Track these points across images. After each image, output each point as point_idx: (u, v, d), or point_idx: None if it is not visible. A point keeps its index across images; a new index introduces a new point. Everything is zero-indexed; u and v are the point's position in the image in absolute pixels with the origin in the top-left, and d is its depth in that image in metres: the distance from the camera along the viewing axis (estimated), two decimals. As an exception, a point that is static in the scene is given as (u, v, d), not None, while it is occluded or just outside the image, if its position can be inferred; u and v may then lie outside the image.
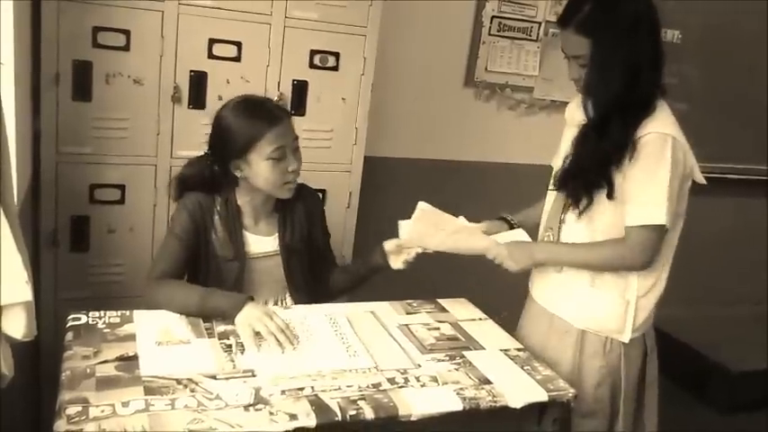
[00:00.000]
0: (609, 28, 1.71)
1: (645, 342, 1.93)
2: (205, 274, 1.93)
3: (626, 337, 1.86)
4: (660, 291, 1.87)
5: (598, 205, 1.79)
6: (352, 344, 1.72)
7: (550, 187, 1.95)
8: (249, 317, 1.70)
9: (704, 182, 1.81)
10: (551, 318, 1.94)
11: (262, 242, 1.99)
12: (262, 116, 1.87)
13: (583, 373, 1.87)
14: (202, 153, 1.98)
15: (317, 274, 2.09)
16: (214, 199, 1.95)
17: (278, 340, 1.65)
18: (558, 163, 1.94)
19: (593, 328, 1.88)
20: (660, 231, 1.74)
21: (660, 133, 1.71)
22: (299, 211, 2.04)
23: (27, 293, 1.26)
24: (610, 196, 1.75)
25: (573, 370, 1.87)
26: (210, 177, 1.93)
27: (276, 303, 2.00)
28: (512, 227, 2.03)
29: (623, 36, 1.70)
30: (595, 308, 1.86)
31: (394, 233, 1.98)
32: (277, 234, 2.01)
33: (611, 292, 1.85)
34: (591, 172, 1.77)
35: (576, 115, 1.91)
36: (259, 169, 1.87)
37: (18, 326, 1.28)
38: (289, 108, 2.48)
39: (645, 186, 1.72)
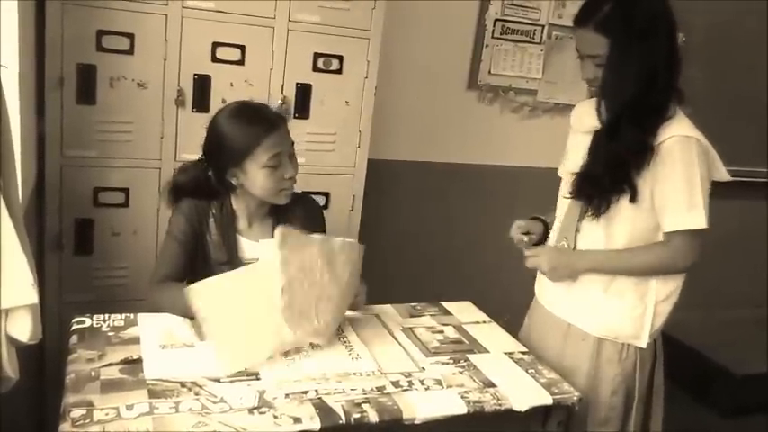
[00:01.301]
0: (628, 28, 1.70)
1: (655, 347, 1.93)
2: (202, 277, 1.92)
3: (643, 342, 1.86)
4: (677, 296, 1.87)
5: (618, 211, 1.78)
6: (355, 347, 1.72)
7: (565, 195, 1.92)
8: None
9: (729, 178, 1.80)
10: (568, 327, 1.93)
11: (256, 247, 1.98)
12: (258, 123, 1.84)
13: (599, 382, 1.87)
14: (197, 158, 1.96)
15: None
16: (209, 203, 1.94)
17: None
18: (566, 171, 1.92)
19: (609, 335, 1.87)
20: (702, 234, 1.75)
21: (683, 136, 1.71)
22: (296, 218, 1.99)
23: (33, 296, 1.26)
24: (633, 200, 1.75)
25: (589, 378, 1.87)
26: (206, 183, 1.91)
27: None
28: (546, 226, 2.02)
29: (642, 37, 1.69)
30: (611, 314, 1.86)
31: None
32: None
33: (627, 297, 1.84)
34: (610, 177, 1.76)
35: (584, 120, 1.89)
36: (255, 177, 1.84)
37: (24, 328, 1.28)
38: (292, 111, 2.48)
39: (681, 191, 1.71)
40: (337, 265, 1.67)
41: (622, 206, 1.77)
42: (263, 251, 1.72)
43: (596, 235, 1.84)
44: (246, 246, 1.96)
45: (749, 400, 3.41)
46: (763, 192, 4.06)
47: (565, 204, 1.93)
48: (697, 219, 1.72)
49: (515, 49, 3.31)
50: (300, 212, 2.02)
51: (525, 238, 1.95)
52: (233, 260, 1.93)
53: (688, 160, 1.71)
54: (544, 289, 2.02)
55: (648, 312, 1.84)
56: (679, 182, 1.71)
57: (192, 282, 1.91)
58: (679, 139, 1.71)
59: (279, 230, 1.61)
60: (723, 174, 1.79)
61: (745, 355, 3.58)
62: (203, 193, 1.93)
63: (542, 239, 2.02)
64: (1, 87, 1.30)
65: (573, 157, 1.90)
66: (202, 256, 1.93)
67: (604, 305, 1.86)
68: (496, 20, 3.24)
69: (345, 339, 1.75)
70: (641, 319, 1.84)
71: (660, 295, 1.84)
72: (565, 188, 1.93)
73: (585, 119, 1.89)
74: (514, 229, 1.96)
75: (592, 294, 1.87)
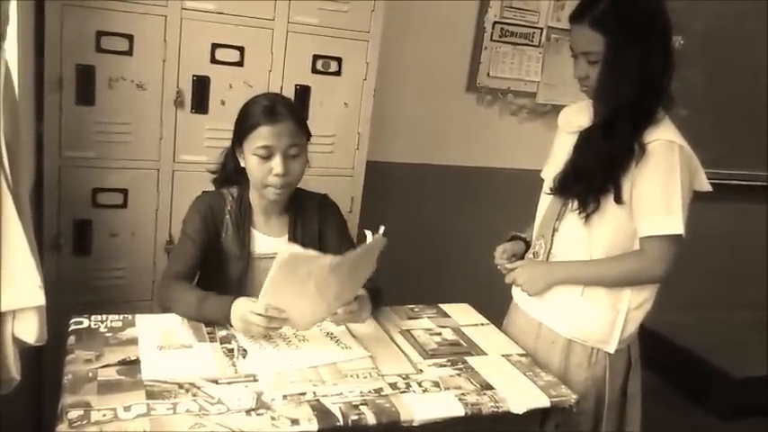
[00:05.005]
0: (625, 26, 1.70)
1: (629, 354, 1.92)
2: (214, 270, 1.95)
3: (611, 348, 1.85)
4: (651, 305, 1.86)
5: (601, 211, 1.77)
6: (343, 340, 1.73)
7: (546, 191, 1.92)
8: (241, 323, 1.68)
9: (710, 189, 1.80)
10: (539, 327, 1.93)
11: (270, 242, 1.99)
12: (263, 111, 1.87)
13: (568, 385, 1.85)
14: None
15: None
16: (225, 199, 1.97)
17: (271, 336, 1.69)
18: (550, 171, 1.92)
19: (579, 337, 1.87)
20: (678, 241, 1.73)
21: (667, 141, 1.71)
22: (313, 218, 2.03)
23: (40, 298, 1.26)
24: (618, 200, 1.74)
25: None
26: (234, 166, 1.97)
27: None
28: (527, 244, 2.01)
29: (638, 36, 1.69)
30: (583, 317, 1.85)
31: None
32: (287, 236, 2.01)
33: (601, 301, 1.83)
34: (597, 175, 1.75)
35: (573, 120, 1.90)
36: (248, 161, 1.90)
37: (30, 330, 1.28)
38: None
39: (659, 196, 1.71)
40: (329, 280, 1.65)
41: (605, 206, 1.76)
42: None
43: (575, 236, 1.83)
44: (260, 240, 1.98)
45: (748, 403, 3.41)
46: (762, 195, 4.07)
47: (545, 203, 1.93)
48: (674, 224, 1.70)
49: (514, 51, 3.32)
50: (315, 215, 2.04)
51: (507, 264, 1.93)
52: (245, 254, 1.95)
53: (670, 165, 1.70)
54: (520, 290, 2.01)
55: (620, 319, 1.83)
56: (658, 185, 1.70)
57: (201, 276, 1.94)
58: (663, 143, 1.71)
59: (284, 252, 1.60)
60: (704, 183, 1.79)
61: (745, 357, 3.58)
62: (234, 176, 1.98)
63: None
64: (14, 91, 1.30)
65: (559, 155, 1.90)
66: (215, 250, 1.95)
67: (577, 308, 1.85)
68: (495, 22, 3.24)
69: (334, 336, 1.76)
70: (612, 324, 1.84)
71: (633, 303, 1.83)
72: (547, 188, 1.92)
73: (573, 119, 1.90)
74: (498, 254, 1.96)
75: (566, 297, 1.86)
